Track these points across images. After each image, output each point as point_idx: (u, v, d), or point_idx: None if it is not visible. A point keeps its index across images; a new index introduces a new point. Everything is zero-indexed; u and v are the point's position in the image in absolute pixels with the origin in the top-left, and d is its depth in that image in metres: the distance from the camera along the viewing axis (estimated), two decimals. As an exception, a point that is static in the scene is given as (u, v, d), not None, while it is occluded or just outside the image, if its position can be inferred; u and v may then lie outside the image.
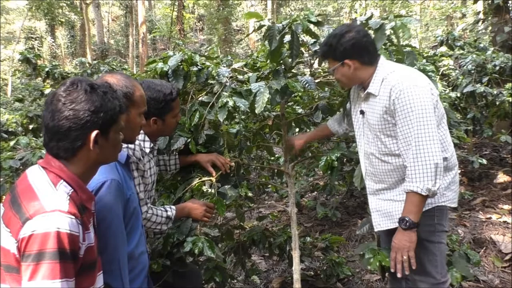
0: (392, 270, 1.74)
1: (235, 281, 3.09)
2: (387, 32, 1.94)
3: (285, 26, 2.01)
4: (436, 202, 1.80)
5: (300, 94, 2.71)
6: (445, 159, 1.78)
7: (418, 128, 1.66)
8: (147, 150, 1.81)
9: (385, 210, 1.90)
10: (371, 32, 1.93)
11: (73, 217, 1.05)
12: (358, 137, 1.99)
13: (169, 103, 1.81)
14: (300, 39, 2.08)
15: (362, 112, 1.91)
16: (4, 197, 2.74)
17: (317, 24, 2.04)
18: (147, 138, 1.82)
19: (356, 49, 1.80)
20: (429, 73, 2.26)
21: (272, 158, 3.68)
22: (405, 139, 1.71)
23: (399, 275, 1.71)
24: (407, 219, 1.68)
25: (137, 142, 1.73)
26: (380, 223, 1.94)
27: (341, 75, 1.88)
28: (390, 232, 1.96)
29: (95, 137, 1.13)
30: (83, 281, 1.10)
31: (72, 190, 1.12)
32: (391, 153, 1.81)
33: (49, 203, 1.05)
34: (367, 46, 1.82)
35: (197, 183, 2.05)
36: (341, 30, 1.83)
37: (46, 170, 1.13)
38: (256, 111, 1.95)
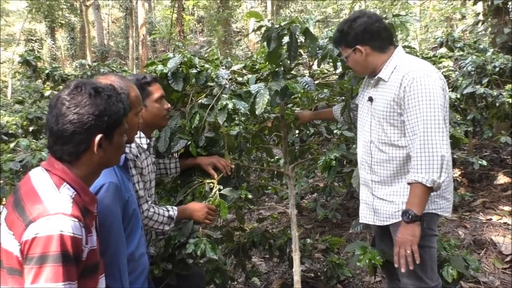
0: (396, 265, 1.70)
1: (236, 283, 3.09)
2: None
3: (283, 27, 2.02)
4: (426, 209, 1.73)
5: (299, 95, 2.72)
6: None
7: (426, 118, 1.62)
8: (145, 147, 1.83)
9: (373, 205, 1.89)
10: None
11: (76, 220, 1.05)
12: (362, 126, 1.95)
13: (144, 87, 1.80)
14: (298, 40, 2.09)
15: (370, 99, 1.88)
16: (4, 199, 2.76)
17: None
18: (142, 135, 1.83)
19: (367, 34, 1.78)
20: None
21: (272, 160, 3.68)
22: (412, 128, 1.67)
23: (403, 270, 1.68)
24: (409, 211, 1.62)
25: None
26: (366, 216, 1.93)
27: (354, 62, 1.85)
28: (383, 231, 1.95)
29: (99, 141, 1.13)
30: (86, 283, 1.10)
31: (75, 193, 1.12)
32: (389, 143, 1.78)
33: (53, 206, 1.05)
34: (379, 31, 1.79)
35: (199, 185, 2.05)
36: (353, 16, 1.81)
37: (50, 173, 1.13)
38: (257, 112, 1.96)
